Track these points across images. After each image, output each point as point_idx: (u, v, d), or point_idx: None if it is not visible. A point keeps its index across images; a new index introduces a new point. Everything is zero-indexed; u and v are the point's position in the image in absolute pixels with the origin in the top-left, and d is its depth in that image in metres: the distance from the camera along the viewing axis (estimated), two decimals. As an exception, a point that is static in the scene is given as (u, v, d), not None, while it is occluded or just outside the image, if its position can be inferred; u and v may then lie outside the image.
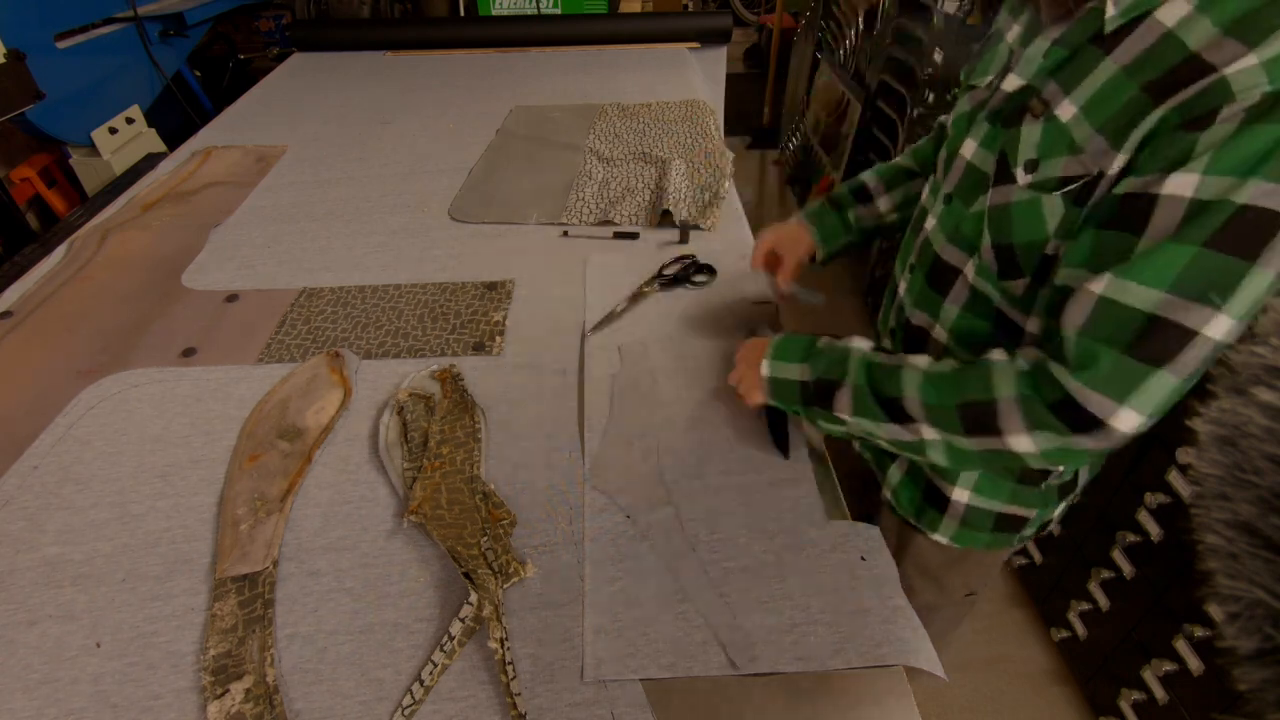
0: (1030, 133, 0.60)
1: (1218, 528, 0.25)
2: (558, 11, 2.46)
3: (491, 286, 1.09)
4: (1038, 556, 1.57)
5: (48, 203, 1.67)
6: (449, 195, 1.36)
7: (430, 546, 0.71)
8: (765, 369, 0.75)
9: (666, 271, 1.09)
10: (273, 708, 0.58)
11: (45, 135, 1.61)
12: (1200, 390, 0.46)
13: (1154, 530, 1.20)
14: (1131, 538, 1.26)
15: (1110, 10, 0.55)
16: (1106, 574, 1.33)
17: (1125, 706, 1.29)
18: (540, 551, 0.70)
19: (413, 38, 2.25)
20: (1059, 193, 0.58)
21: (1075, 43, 0.58)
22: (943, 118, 0.89)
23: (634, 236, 1.22)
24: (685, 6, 4.19)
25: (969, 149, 0.68)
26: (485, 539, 0.70)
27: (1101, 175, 0.55)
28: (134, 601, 0.67)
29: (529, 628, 0.63)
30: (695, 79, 1.96)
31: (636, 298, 1.05)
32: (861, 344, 0.71)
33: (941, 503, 0.82)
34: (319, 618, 0.65)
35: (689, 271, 1.09)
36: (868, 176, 0.94)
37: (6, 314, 1.07)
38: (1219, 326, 0.50)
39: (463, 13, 2.51)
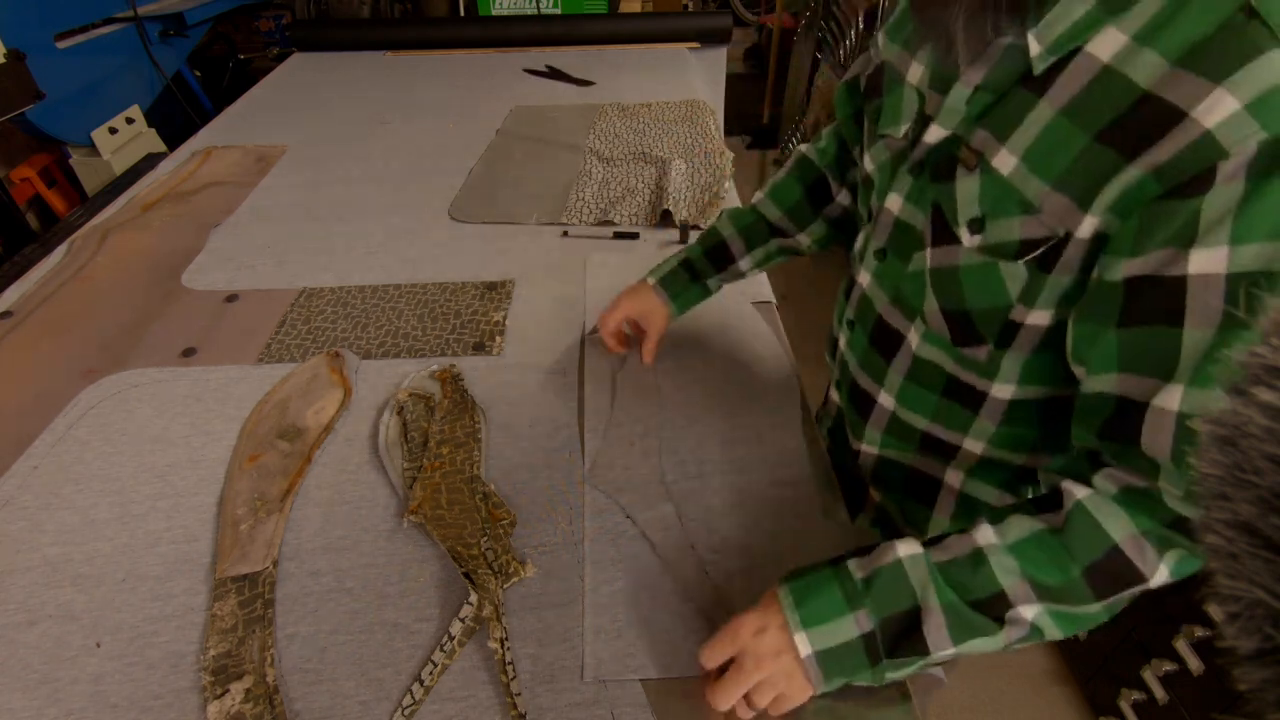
0: (967, 188, 0.54)
1: (1218, 528, 0.25)
2: (558, 11, 2.46)
3: (491, 286, 1.09)
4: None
5: (48, 203, 1.67)
6: (449, 195, 1.36)
7: (430, 546, 0.71)
8: (803, 646, 0.52)
9: (666, 271, 1.09)
10: (273, 708, 0.58)
11: (45, 135, 1.61)
12: (1173, 451, 0.43)
13: (1154, 530, 1.20)
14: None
15: (1035, 47, 0.49)
16: (1106, 574, 1.33)
17: (1125, 706, 1.29)
18: (540, 551, 0.70)
19: (413, 38, 2.25)
20: (1022, 260, 0.52)
21: (1001, 86, 0.52)
22: (802, 148, 0.86)
23: (634, 236, 1.22)
24: (685, 6, 4.18)
25: (895, 204, 0.63)
26: (485, 539, 0.70)
27: (1069, 236, 0.50)
28: (134, 601, 0.67)
29: (529, 628, 0.63)
30: (695, 79, 1.95)
31: (636, 298, 1.04)
32: (907, 547, 0.54)
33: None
34: (319, 618, 0.65)
35: (689, 271, 1.09)
36: (727, 233, 0.86)
37: (6, 314, 1.07)
38: None
39: (463, 13, 2.51)
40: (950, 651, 0.51)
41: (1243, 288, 0.42)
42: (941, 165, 0.57)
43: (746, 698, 0.55)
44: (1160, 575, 0.49)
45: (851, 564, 0.55)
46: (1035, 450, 0.65)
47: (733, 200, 1.31)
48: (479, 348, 0.97)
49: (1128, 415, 0.48)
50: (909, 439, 0.72)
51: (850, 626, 0.52)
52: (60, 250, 1.23)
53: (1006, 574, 0.50)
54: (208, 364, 0.96)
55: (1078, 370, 0.52)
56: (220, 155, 1.57)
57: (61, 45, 1.65)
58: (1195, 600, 1.14)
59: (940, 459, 0.71)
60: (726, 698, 0.55)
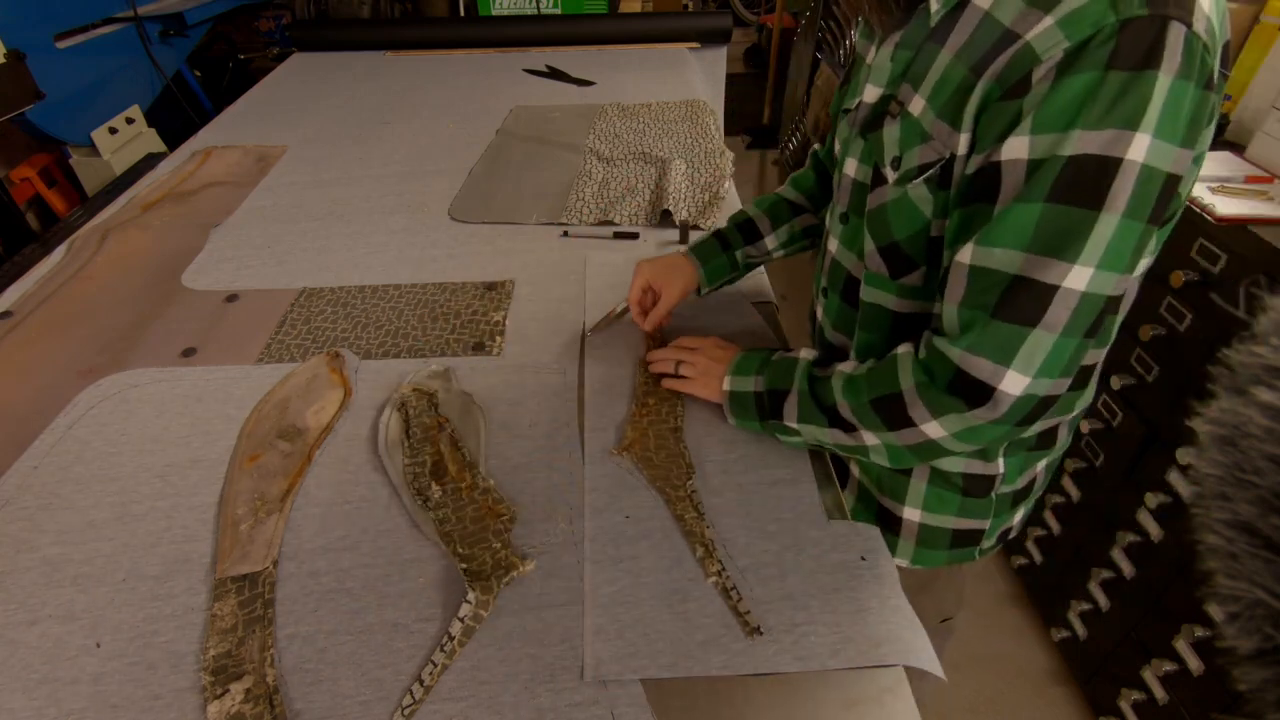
0: (890, 133, 0.63)
1: (1218, 528, 0.25)
2: (558, 11, 2.46)
3: (491, 286, 1.09)
4: (1038, 556, 1.57)
5: (48, 203, 1.67)
6: (449, 195, 1.36)
7: (430, 546, 0.71)
8: (726, 384, 0.77)
9: (666, 271, 1.09)
10: (273, 708, 0.58)
11: (45, 135, 1.61)
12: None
13: (1154, 530, 1.20)
14: (1131, 538, 1.26)
15: (934, 5, 0.59)
16: (1106, 574, 1.33)
17: (1125, 706, 1.29)
18: (540, 551, 0.70)
19: (413, 38, 2.25)
20: (920, 180, 0.61)
21: (915, 42, 0.61)
22: (815, 146, 0.93)
23: (634, 236, 1.22)
24: (685, 6, 4.18)
25: (851, 167, 0.70)
26: (497, 543, 0.70)
27: (954, 156, 0.58)
28: (134, 601, 0.67)
29: (529, 628, 0.63)
30: (695, 79, 1.95)
31: (636, 298, 1.04)
32: (808, 353, 0.74)
33: (894, 524, 0.81)
34: (319, 618, 0.65)
35: (689, 271, 1.09)
36: (753, 213, 0.94)
37: (6, 314, 1.07)
38: (1079, 278, 0.51)
39: (463, 13, 2.51)
40: (795, 425, 0.71)
41: (1033, 167, 0.51)
42: (874, 120, 0.65)
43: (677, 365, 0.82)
44: (934, 430, 0.61)
45: (777, 354, 0.76)
46: None
47: (733, 200, 1.31)
48: (479, 348, 0.97)
49: (945, 276, 0.59)
50: None
51: (751, 383, 0.75)
52: (60, 250, 1.23)
53: (836, 390, 0.67)
54: (208, 364, 0.96)
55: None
56: (220, 155, 1.57)
57: (61, 45, 1.65)
58: (1195, 600, 1.14)
59: None
60: (663, 354, 0.85)
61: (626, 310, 1.02)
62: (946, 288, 0.58)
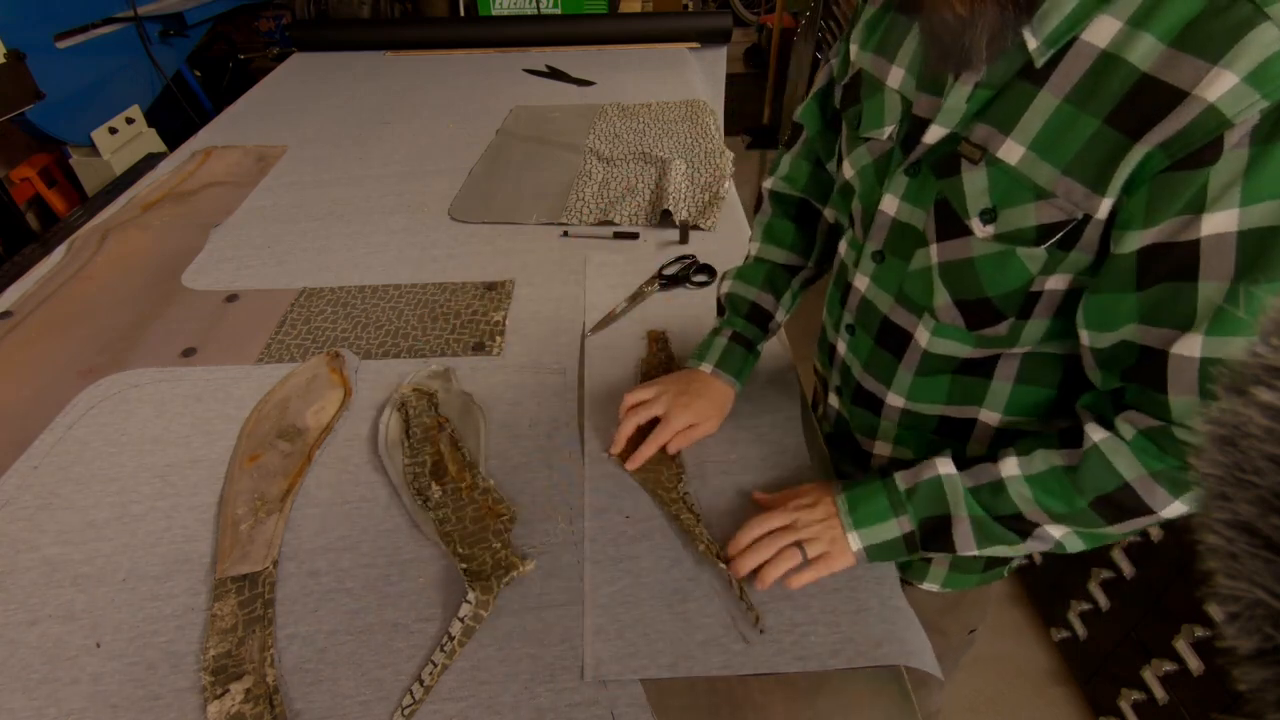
0: (975, 181, 0.56)
1: (1218, 528, 0.25)
2: (558, 11, 2.46)
3: (491, 286, 1.09)
4: (1038, 557, 1.57)
5: (48, 203, 1.67)
6: (449, 195, 1.36)
7: (430, 546, 0.71)
8: (855, 542, 0.65)
9: (666, 271, 1.09)
10: (272, 708, 0.58)
11: (45, 135, 1.61)
12: (1200, 390, 0.46)
13: (1154, 530, 1.20)
14: (1131, 538, 1.26)
15: (1032, 42, 0.51)
16: (1106, 574, 1.33)
17: (1125, 706, 1.29)
18: (540, 551, 0.70)
19: (413, 38, 2.25)
20: (1044, 245, 0.54)
21: (1000, 81, 0.54)
22: (767, 184, 0.86)
23: (634, 236, 1.22)
24: (685, 6, 4.18)
25: (891, 205, 0.64)
26: (497, 543, 0.70)
27: (1088, 218, 0.52)
28: (134, 601, 0.67)
29: (529, 628, 0.63)
30: (695, 79, 1.96)
31: (636, 298, 1.05)
32: (945, 467, 0.64)
33: None
34: (319, 618, 0.65)
35: (689, 271, 1.09)
36: (754, 295, 0.84)
37: (6, 314, 1.07)
38: None
39: (463, 13, 2.51)
40: (974, 551, 0.63)
41: (1253, 240, 0.45)
42: (943, 163, 0.59)
43: (800, 544, 0.65)
44: (1175, 510, 0.55)
45: (897, 477, 0.66)
46: (1049, 415, 0.66)
47: (733, 200, 1.31)
48: (479, 348, 0.97)
49: (1149, 361, 0.52)
50: (923, 429, 0.72)
51: (893, 528, 0.65)
52: (60, 250, 1.23)
53: (1023, 501, 0.59)
54: (208, 364, 0.96)
55: (1088, 333, 0.56)
56: (220, 155, 1.57)
57: (61, 45, 1.65)
58: (1195, 600, 1.14)
59: (956, 445, 0.70)
60: (768, 524, 0.67)
61: (626, 309, 1.02)
62: (1164, 380, 0.51)
